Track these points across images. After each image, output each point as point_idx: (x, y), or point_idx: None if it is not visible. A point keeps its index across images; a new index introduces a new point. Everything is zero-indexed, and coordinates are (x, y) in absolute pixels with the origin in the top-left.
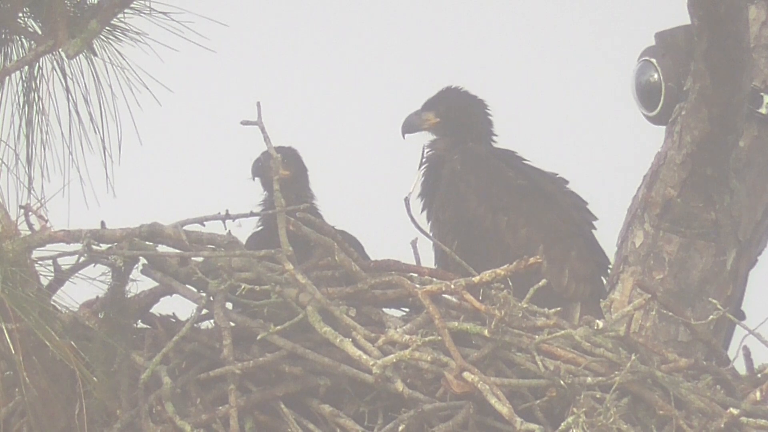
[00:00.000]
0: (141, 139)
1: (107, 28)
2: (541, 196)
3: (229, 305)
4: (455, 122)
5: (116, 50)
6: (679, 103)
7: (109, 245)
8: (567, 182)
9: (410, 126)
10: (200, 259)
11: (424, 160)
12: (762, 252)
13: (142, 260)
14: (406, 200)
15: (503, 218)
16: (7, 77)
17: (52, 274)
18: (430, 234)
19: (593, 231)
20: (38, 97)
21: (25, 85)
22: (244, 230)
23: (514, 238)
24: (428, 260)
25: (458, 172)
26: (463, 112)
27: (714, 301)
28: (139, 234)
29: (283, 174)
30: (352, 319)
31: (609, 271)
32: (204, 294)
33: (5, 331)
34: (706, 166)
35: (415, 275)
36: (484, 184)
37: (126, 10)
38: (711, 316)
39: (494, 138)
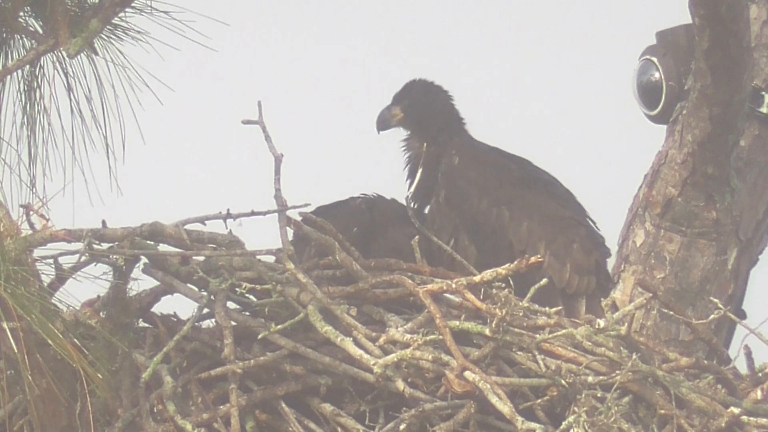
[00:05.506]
0: (144, 138)
1: (108, 27)
2: (541, 186)
3: (230, 304)
4: (418, 116)
5: (117, 49)
6: (680, 102)
7: (111, 244)
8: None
9: (382, 122)
10: (201, 258)
11: (422, 159)
12: (763, 251)
13: (144, 259)
14: (407, 200)
15: (506, 212)
16: (9, 76)
17: (54, 273)
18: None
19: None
20: (40, 95)
21: (26, 84)
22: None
23: (517, 231)
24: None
25: (457, 168)
26: (425, 105)
27: (715, 300)
28: (140, 233)
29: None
30: (353, 319)
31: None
32: (205, 293)
33: (7, 329)
34: (707, 165)
35: (416, 274)
36: (485, 179)
37: (127, 9)
38: (712, 315)
39: (466, 127)
